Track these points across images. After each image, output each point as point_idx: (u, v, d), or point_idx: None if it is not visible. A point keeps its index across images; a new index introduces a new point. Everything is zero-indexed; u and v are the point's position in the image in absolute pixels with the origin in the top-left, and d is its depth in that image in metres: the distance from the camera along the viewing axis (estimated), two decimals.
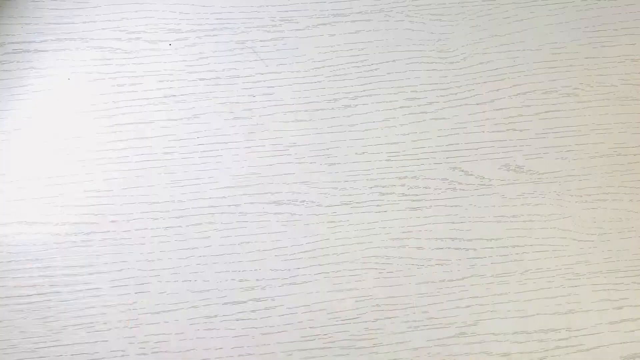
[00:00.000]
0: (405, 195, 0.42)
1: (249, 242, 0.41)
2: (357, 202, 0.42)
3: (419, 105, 0.45)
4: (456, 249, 0.41)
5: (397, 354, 0.39)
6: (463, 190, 0.43)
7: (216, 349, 0.39)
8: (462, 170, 0.43)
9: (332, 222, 0.42)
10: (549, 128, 0.45)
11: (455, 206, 0.42)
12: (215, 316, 0.40)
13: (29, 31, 0.45)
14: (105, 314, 0.39)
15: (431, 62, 0.46)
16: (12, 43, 0.45)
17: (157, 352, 0.39)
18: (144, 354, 0.39)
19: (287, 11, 0.47)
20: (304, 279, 0.41)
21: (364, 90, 0.45)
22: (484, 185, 0.43)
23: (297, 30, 0.47)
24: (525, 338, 0.40)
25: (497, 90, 0.46)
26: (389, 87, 0.45)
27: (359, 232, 0.41)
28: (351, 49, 0.46)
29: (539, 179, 0.43)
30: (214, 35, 0.46)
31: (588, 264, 0.41)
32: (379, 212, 0.42)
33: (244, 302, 0.40)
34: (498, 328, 0.40)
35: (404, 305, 0.40)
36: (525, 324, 0.40)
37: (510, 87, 0.46)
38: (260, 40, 0.46)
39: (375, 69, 0.45)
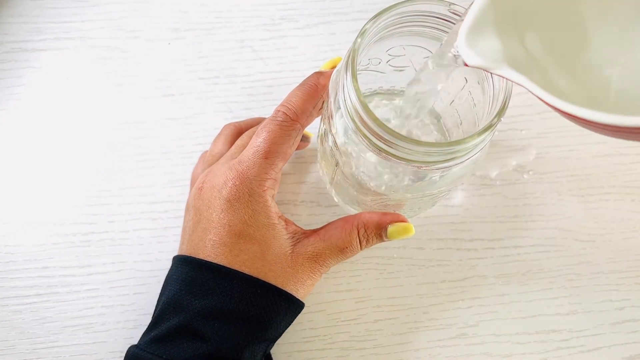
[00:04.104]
0: None
1: None
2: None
3: None
4: (457, 249, 0.41)
5: (397, 355, 0.39)
6: (464, 190, 0.43)
7: None
8: None
9: None
10: (550, 127, 0.45)
11: (456, 206, 0.42)
12: None
13: (27, 30, 0.45)
14: (103, 315, 0.39)
15: None
16: (10, 42, 0.45)
17: None
18: None
19: (286, 10, 0.47)
20: None
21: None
22: (485, 185, 0.43)
23: (296, 29, 0.46)
24: (527, 339, 0.39)
25: None
26: None
27: None
28: None
29: (541, 178, 0.43)
30: (213, 34, 0.46)
31: (590, 264, 0.41)
32: None
33: None
34: (499, 329, 0.40)
35: (404, 306, 0.40)
36: (527, 325, 0.40)
37: (512, 85, 0.46)
38: (260, 39, 0.46)
39: None
